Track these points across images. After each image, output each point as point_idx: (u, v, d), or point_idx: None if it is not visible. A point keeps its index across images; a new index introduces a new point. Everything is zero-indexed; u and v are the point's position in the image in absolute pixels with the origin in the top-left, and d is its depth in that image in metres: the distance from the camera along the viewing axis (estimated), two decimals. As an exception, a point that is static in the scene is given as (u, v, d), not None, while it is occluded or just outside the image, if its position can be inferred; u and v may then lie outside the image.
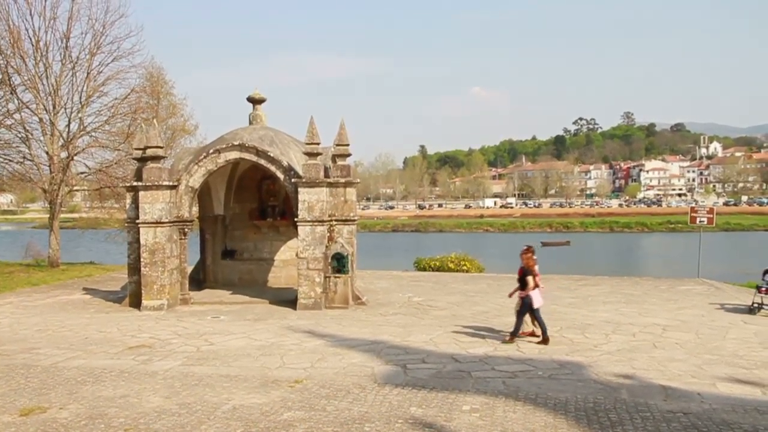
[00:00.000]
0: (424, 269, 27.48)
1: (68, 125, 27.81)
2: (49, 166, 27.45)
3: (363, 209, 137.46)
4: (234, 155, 17.53)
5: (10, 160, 28.36)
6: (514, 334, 12.61)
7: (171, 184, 17.26)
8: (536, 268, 12.85)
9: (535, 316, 12.66)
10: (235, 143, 17.37)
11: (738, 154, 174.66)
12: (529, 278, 12.48)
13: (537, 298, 12.54)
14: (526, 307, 12.57)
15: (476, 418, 8.08)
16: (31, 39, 26.71)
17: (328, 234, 17.08)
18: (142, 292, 17.04)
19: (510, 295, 13.34)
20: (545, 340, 12.42)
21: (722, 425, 7.80)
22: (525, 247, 13.11)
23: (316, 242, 16.81)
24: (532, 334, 12.81)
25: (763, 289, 15.65)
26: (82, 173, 30.42)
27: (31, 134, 27.73)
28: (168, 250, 17.15)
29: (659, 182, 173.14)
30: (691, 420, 7.98)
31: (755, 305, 15.71)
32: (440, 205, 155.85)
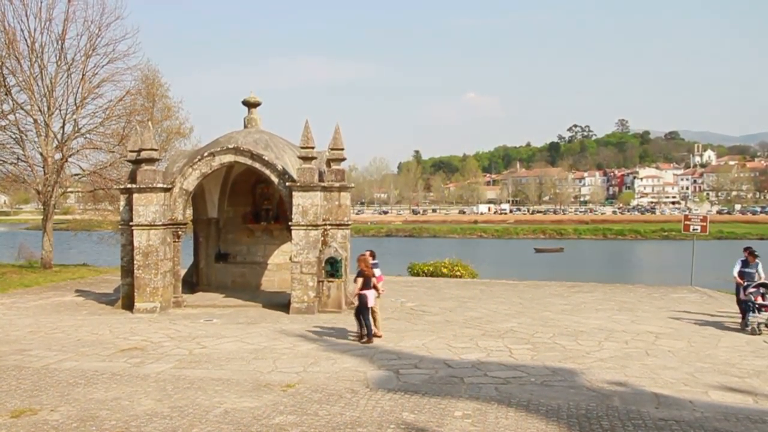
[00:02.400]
0: (418, 274, 27.50)
1: (63, 127, 27.76)
2: (43, 167, 27.36)
3: (357, 214, 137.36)
4: (228, 158, 17.52)
5: (4, 161, 28.28)
6: (369, 335, 13.16)
7: (165, 186, 17.23)
8: (376, 271, 13.73)
9: (367, 314, 13.23)
10: (230, 146, 17.36)
11: (732, 162, 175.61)
12: (359, 279, 13.20)
13: (372, 297, 13.23)
14: (362, 306, 13.14)
15: (468, 424, 8.08)
16: (26, 40, 26.70)
17: (322, 238, 17.08)
18: (135, 294, 16.99)
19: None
20: (369, 340, 13.04)
21: (713, 433, 7.82)
22: (367, 252, 13.99)
23: (309, 246, 16.80)
24: (375, 335, 13.40)
25: (757, 305, 14.38)
26: (76, 175, 30.36)
27: (26, 135, 27.69)
28: (161, 252, 17.12)
29: (653, 190, 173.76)
30: (682, 428, 8.00)
31: (763, 324, 14.18)
32: (434, 211, 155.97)
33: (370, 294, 13.20)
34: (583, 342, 13.33)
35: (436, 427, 7.96)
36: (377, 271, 13.91)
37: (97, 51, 27.56)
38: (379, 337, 13.43)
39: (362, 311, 13.19)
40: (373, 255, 14.07)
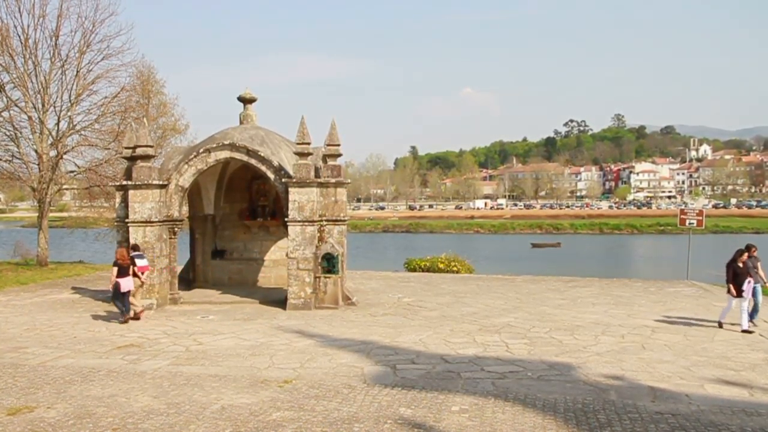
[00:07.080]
0: (414, 270, 27.49)
1: (57, 123, 27.65)
2: (38, 164, 27.25)
3: (354, 210, 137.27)
4: (224, 155, 17.48)
5: (-1, 158, 28.16)
6: (126, 314, 15.02)
7: (161, 183, 17.20)
8: (142, 261, 15.77)
9: (123, 299, 15.06)
10: (226, 142, 17.32)
11: (727, 156, 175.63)
12: (114, 269, 15.04)
13: (125, 284, 14.99)
14: (116, 291, 14.97)
15: (465, 419, 8.09)
16: (19, 36, 26.53)
17: (319, 234, 17.07)
18: (132, 291, 16.96)
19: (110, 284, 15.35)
20: (126, 320, 14.89)
21: (710, 426, 7.85)
22: (123, 248, 15.95)
23: (306, 242, 16.79)
24: (137, 317, 15.29)
25: None
26: (71, 172, 30.23)
27: (20, 132, 27.55)
28: (157, 249, 17.09)
29: (649, 184, 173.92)
30: (679, 421, 8.03)
31: None
32: (431, 206, 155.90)
33: (124, 281, 14.91)
34: (579, 336, 13.36)
35: (434, 422, 7.97)
36: (143, 261, 15.83)
37: (91, 47, 27.41)
38: (138, 319, 15.22)
39: (118, 296, 14.99)
40: (135, 248, 16.10)
